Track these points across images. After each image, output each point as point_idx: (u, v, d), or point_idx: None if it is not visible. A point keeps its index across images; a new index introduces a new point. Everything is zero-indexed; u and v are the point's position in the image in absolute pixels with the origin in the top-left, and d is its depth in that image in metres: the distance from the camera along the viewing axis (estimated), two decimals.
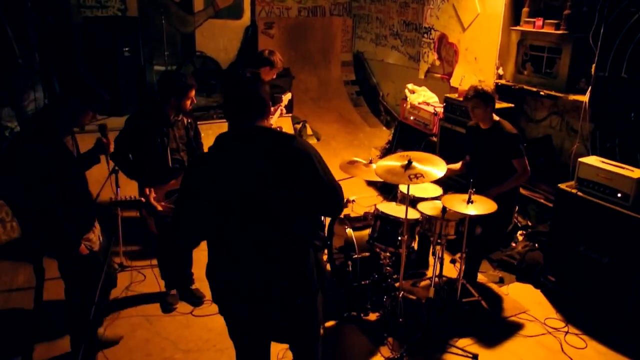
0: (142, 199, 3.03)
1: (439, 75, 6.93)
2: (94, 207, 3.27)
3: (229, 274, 2.33)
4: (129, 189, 4.62)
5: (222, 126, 5.36)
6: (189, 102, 3.76)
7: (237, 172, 2.17)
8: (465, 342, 3.79)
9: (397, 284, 3.99)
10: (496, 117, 4.15)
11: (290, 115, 6.71)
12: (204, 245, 4.61)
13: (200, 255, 4.36)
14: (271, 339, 2.56)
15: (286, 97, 5.38)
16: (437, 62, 6.91)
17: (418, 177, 3.58)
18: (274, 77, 5.07)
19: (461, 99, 5.60)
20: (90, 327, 3.17)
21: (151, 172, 3.71)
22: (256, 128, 2.24)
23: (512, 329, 3.99)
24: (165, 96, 3.70)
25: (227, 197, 2.19)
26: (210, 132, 6.18)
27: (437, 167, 3.66)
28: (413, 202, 4.06)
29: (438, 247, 4.03)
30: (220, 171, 2.19)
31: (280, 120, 5.32)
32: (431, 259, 4.40)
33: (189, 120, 3.92)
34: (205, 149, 4.16)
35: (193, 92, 3.76)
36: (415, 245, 4.49)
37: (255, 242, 2.24)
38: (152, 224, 3.79)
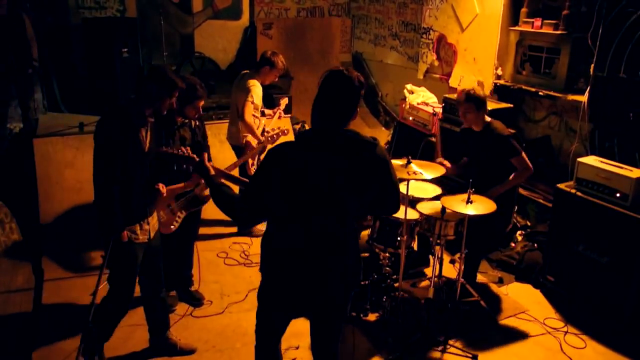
0: (195, 157, 3.03)
1: (437, 76, 6.93)
2: (151, 203, 3.31)
3: (287, 254, 2.42)
4: None
5: (222, 127, 5.37)
6: (193, 112, 3.76)
7: (320, 168, 2.27)
8: (464, 343, 3.79)
9: (396, 285, 3.99)
10: (487, 119, 4.13)
11: (290, 115, 6.72)
12: (203, 246, 4.60)
13: (200, 257, 4.37)
14: (304, 314, 2.66)
15: (283, 102, 5.41)
16: (436, 63, 6.91)
17: (417, 173, 3.61)
18: (275, 79, 5.06)
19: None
20: (90, 328, 3.15)
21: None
22: (344, 131, 2.30)
23: (511, 329, 4.00)
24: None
25: (303, 188, 2.29)
26: (210, 133, 6.18)
27: (434, 173, 3.71)
28: (412, 202, 4.07)
29: (437, 248, 4.04)
30: (303, 164, 2.28)
31: (279, 122, 5.32)
32: (431, 259, 4.40)
33: (197, 124, 3.93)
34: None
35: (201, 103, 3.77)
36: (415, 245, 4.50)
37: (318, 230, 2.36)
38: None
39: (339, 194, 2.30)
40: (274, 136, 4.61)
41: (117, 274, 3.25)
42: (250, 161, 4.81)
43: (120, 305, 3.35)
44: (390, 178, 2.38)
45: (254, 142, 4.72)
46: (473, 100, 4.00)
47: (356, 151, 2.28)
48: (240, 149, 4.88)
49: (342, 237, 2.42)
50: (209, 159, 4.03)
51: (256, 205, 2.40)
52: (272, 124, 5.14)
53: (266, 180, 2.34)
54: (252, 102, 4.76)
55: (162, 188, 3.48)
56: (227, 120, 5.33)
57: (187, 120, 3.85)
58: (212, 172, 2.71)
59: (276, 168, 2.32)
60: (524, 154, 4.02)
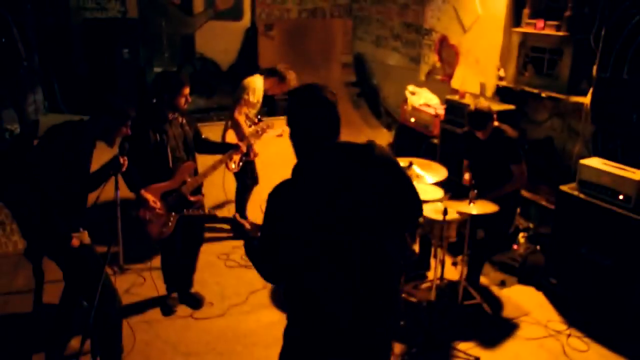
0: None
1: (439, 77, 6.91)
2: (85, 217, 3.30)
3: (310, 300, 2.11)
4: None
5: (222, 128, 5.34)
6: (182, 100, 3.73)
7: (327, 193, 2.01)
8: (466, 345, 3.77)
9: None
10: (495, 123, 4.14)
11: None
12: (203, 248, 4.60)
13: (201, 259, 4.36)
14: None
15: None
16: (438, 64, 6.90)
17: (418, 177, 3.60)
18: (279, 93, 5.08)
19: (463, 100, 5.60)
20: (91, 331, 3.14)
21: (151, 172, 3.71)
22: (335, 144, 2.08)
23: (513, 331, 3.98)
24: (159, 94, 3.71)
25: (318, 221, 2.02)
26: (211, 135, 6.18)
27: (437, 174, 3.69)
28: None
29: (439, 250, 4.02)
30: (310, 195, 2.02)
31: (280, 124, 5.27)
32: (432, 261, 4.38)
33: (183, 120, 3.90)
34: None
35: (187, 90, 3.73)
36: (416, 247, 4.48)
37: (351, 275, 2.05)
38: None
39: (359, 212, 2.02)
40: (259, 131, 4.56)
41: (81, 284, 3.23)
42: (233, 159, 4.73)
43: (112, 306, 3.27)
44: (403, 178, 2.15)
45: (232, 140, 4.71)
46: (489, 118, 4.03)
47: (353, 159, 2.04)
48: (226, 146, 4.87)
49: (386, 267, 2.10)
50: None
51: (277, 261, 2.09)
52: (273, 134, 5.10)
53: (280, 229, 2.04)
54: (247, 100, 4.76)
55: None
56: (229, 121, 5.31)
57: (176, 115, 3.82)
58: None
59: (288, 215, 2.02)
60: (524, 164, 4.04)
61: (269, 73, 4.94)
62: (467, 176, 4.30)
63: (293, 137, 2.13)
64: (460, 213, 3.79)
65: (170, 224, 3.81)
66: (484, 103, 4.09)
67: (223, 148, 4.17)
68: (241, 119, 4.80)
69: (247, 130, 4.77)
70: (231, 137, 4.84)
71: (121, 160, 3.33)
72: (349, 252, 2.04)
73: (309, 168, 2.07)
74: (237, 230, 2.38)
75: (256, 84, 4.85)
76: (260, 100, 4.98)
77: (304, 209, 2.02)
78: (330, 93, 2.10)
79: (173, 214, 3.81)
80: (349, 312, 2.08)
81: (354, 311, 2.08)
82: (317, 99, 2.09)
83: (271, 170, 5.10)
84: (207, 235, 5.13)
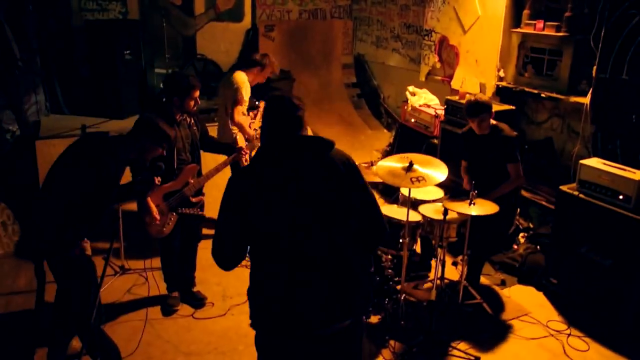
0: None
1: (439, 78, 6.93)
2: (98, 227, 3.27)
3: (271, 290, 2.26)
4: None
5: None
6: (192, 103, 3.76)
7: (284, 183, 2.15)
8: (467, 345, 3.78)
9: (398, 287, 3.99)
10: (493, 122, 4.15)
11: None
12: (204, 244, 4.61)
13: (202, 258, 4.37)
14: None
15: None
16: (438, 65, 6.91)
17: (420, 180, 3.59)
18: (263, 81, 5.05)
19: (462, 101, 5.61)
20: (91, 331, 3.15)
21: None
22: (297, 138, 2.23)
23: (514, 331, 3.99)
24: (169, 96, 3.72)
25: (273, 209, 2.15)
26: (212, 135, 6.19)
27: (439, 170, 3.69)
28: (414, 204, 4.06)
29: (440, 250, 4.03)
30: (267, 185, 2.16)
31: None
32: (433, 262, 4.40)
33: (191, 121, 3.93)
34: None
35: (197, 93, 3.76)
36: (417, 247, 4.49)
37: (300, 257, 2.17)
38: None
39: (320, 201, 2.16)
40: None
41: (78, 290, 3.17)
42: (248, 156, 4.76)
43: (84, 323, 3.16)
44: (359, 183, 2.25)
45: (242, 142, 4.71)
46: (486, 109, 4.03)
47: (311, 155, 2.19)
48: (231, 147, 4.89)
49: (342, 259, 2.21)
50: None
51: (231, 244, 2.27)
52: (256, 124, 5.12)
53: (236, 214, 2.18)
54: (243, 99, 4.75)
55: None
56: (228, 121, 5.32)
57: (184, 116, 3.84)
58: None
59: (245, 198, 2.16)
60: (520, 164, 4.06)
61: (249, 65, 4.92)
62: (467, 180, 4.29)
63: (262, 133, 2.31)
64: (460, 213, 3.81)
65: (170, 223, 3.83)
66: (484, 97, 4.10)
67: (228, 149, 4.19)
68: (243, 120, 4.79)
69: (251, 131, 4.82)
70: (243, 140, 4.84)
71: (156, 181, 3.26)
72: (299, 239, 2.16)
73: (267, 156, 2.23)
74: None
75: (244, 80, 4.82)
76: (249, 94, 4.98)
77: (258, 194, 2.15)
78: (297, 99, 2.29)
79: (174, 214, 3.84)
80: (306, 306, 2.19)
81: (310, 305, 2.19)
82: (286, 104, 2.27)
83: None
84: (209, 234, 5.16)
